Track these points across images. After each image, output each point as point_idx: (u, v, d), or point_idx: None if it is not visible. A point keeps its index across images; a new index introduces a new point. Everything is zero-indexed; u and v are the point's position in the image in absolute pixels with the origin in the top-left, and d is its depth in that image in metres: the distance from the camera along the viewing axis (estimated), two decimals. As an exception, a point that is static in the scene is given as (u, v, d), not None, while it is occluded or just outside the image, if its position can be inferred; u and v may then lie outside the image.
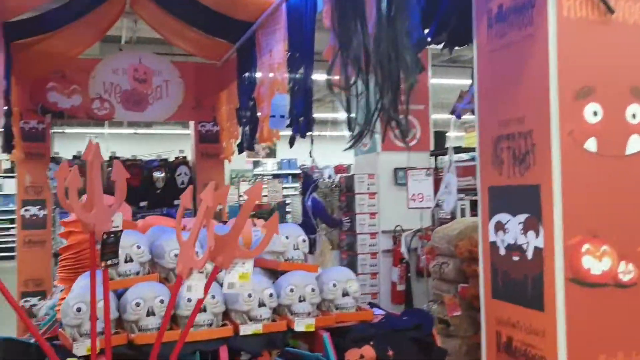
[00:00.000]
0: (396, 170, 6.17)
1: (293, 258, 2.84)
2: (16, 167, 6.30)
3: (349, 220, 5.94)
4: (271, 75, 4.79)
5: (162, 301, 2.46)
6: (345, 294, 2.75)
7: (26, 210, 5.97)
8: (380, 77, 2.03)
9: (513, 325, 2.30)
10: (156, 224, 3.16)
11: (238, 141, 5.98)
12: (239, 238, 2.92)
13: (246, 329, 2.52)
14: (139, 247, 2.61)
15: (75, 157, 6.32)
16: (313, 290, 2.67)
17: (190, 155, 6.83)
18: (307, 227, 4.84)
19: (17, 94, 5.74)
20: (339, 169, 9.03)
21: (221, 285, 2.28)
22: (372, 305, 3.01)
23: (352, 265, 6.16)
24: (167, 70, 6.30)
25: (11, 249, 11.27)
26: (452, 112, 3.55)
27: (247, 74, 5.47)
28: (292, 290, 2.64)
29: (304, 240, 2.89)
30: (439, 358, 2.56)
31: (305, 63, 4.48)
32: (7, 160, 8.20)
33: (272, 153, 12.26)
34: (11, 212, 12.31)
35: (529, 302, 2.22)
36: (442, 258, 4.92)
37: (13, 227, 11.63)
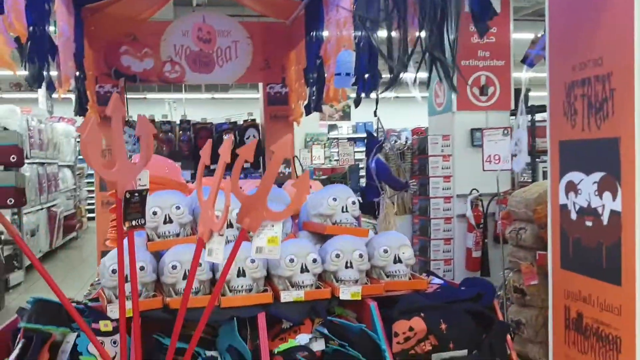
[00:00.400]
0: (472, 130, 5.80)
1: (341, 221, 2.63)
2: (93, 130, 6.44)
3: (415, 183, 5.66)
4: (337, 32, 4.58)
5: (199, 264, 2.34)
6: (397, 260, 2.53)
7: (103, 172, 6.09)
8: (419, 10, 1.75)
9: (584, 299, 2.00)
10: (208, 184, 3.05)
11: (305, 102, 5.81)
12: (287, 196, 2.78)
13: (287, 296, 2.36)
14: (178, 207, 2.50)
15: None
16: (361, 256, 2.47)
17: (259, 118, 6.74)
18: (371, 190, 4.61)
19: (92, 58, 5.81)
20: (416, 132, 8.69)
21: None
22: (429, 273, 2.77)
23: (424, 230, 5.91)
24: (234, 30, 6.17)
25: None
26: (524, 60, 3.18)
27: (314, 32, 5.27)
28: (337, 256, 2.45)
29: (353, 203, 2.67)
30: (500, 333, 2.29)
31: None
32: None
33: (346, 116, 11.95)
34: (98, 175, 12.83)
35: (604, 274, 1.91)
36: (519, 223, 4.59)
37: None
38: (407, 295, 2.43)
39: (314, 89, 5.48)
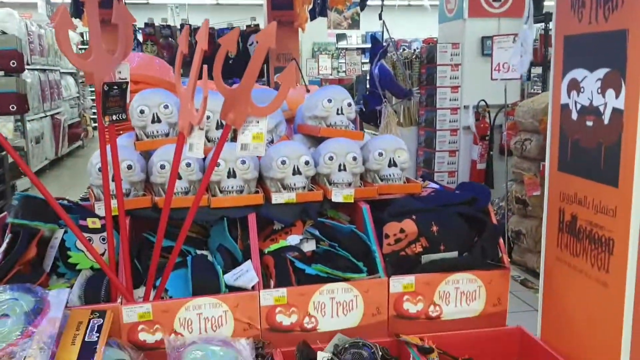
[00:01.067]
0: (483, 39, 5.59)
1: (336, 124, 2.55)
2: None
3: (419, 92, 5.51)
4: None
5: (188, 164, 2.30)
6: (392, 164, 2.46)
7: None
8: None
9: (579, 202, 1.94)
10: (200, 85, 2.96)
11: (310, 7, 5.60)
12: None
13: (278, 198, 2.32)
14: (166, 106, 2.42)
15: (146, 24, 6.19)
16: (355, 158, 2.40)
17: (263, 24, 6.53)
18: (374, 97, 4.49)
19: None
20: (427, 42, 8.39)
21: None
22: (424, 178, 2.71)
23: (429, 142, 5.83)
24: None
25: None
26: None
27: None
28: (331, 159, 2.39)
29: (349, 105, 2.58)
30: (493, 236, 2.26)
31: None
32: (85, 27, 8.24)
33: (355, 24, 11.43)
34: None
35: (601, 176, 1.84)
36: (524, 134, 4.50)
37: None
38: (399, 198, 2.38)
39: (319, -9, 5.26)
